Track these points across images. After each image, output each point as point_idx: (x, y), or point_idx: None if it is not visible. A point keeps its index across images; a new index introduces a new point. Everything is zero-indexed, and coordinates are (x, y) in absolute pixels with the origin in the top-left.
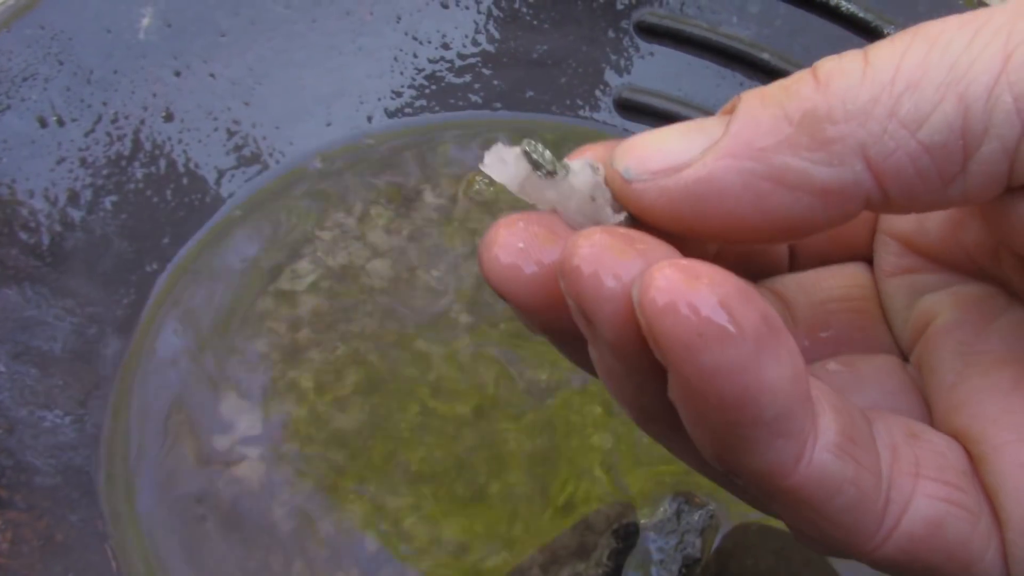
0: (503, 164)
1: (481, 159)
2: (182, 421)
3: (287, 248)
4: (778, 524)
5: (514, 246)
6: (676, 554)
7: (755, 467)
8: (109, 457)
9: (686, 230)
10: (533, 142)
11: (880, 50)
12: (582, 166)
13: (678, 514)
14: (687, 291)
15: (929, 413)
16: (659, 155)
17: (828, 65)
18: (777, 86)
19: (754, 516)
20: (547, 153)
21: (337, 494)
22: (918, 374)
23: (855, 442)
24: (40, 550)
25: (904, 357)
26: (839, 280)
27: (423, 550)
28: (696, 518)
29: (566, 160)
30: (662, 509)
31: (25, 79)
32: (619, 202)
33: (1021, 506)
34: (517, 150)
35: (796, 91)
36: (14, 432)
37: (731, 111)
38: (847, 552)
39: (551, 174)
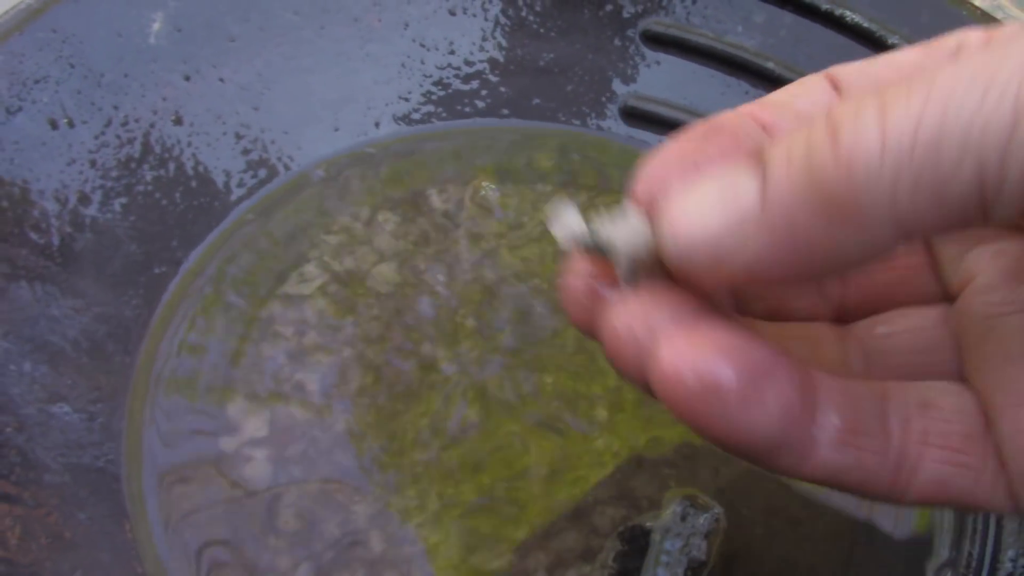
0: (566, 228)
1: (550, 221)
2: (189, 422)
3: (294, 252)
4: (783, 528)
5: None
6: (682, 557)
7: (768, 467)
8: (117, 455)
9: (726, 285)
10: (595, 225)
11: (896, 113)
12: (629, 232)
13: (684, 517)
14: (683, 364)
15: (961, 368)
16: (704, 239)
17: (846, 133)
18: (800, 153)
19: (760, 519)
20: (605, 233)
21: (343, 495)
22: (957, 324)
23: (857, 431)
24: (48, 547)
25: (951, 298)
26: None
27: (429, 551)
28: (702, 521)
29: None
30: (668, 512)
31: (37, 81)
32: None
33: (1020, 462)
34: (581, 226)
35: (821, 162)
36: (23, 429)
37: (758, 161)
38: (875, 500)
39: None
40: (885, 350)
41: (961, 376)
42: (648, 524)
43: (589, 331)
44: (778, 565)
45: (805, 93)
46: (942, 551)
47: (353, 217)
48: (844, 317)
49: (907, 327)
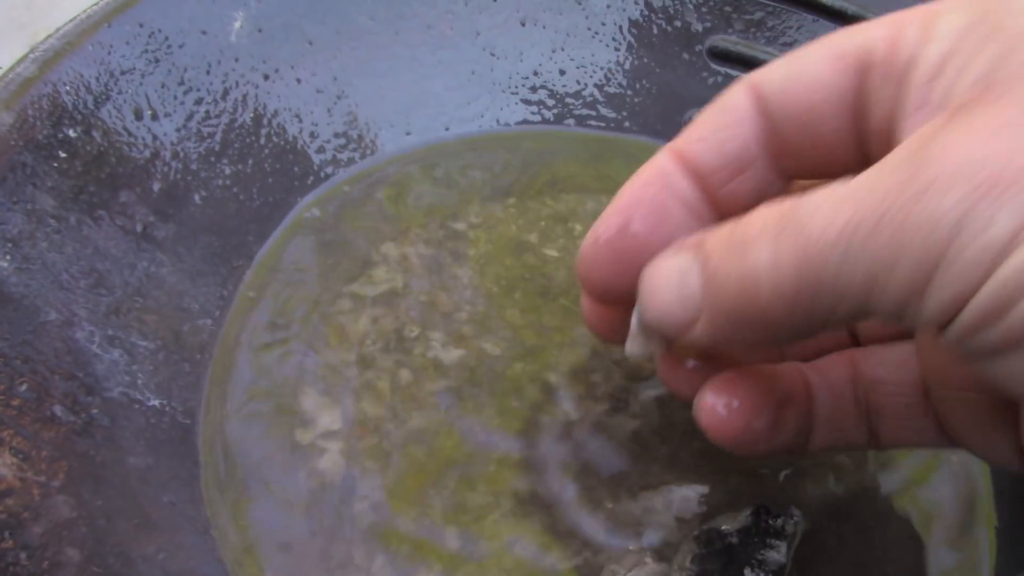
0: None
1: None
2: (267, 413)
3: (365, 252)
4: (854, 534)
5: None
6: (762, 559)
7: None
8: (196, 441)
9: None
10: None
11: (781, 258)
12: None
13: (762, 520)
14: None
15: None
16: (670, 321)
17: (750, 260)
18: (722, 279)
19: (830, 525)
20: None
21: (418, 490)
22: None
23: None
24: (135, 528)
25: None
26: None
27: (504, 549)
28: (779, 523)
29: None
30: (744, 514)
31: (123, 73)
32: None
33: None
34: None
35: (728, 291)
36: (109, 413)
37: (697, 251)
38: None
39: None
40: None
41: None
42: (724, 527)
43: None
44: (852, 569)
45: (727, 121)
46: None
47: (429, 216)
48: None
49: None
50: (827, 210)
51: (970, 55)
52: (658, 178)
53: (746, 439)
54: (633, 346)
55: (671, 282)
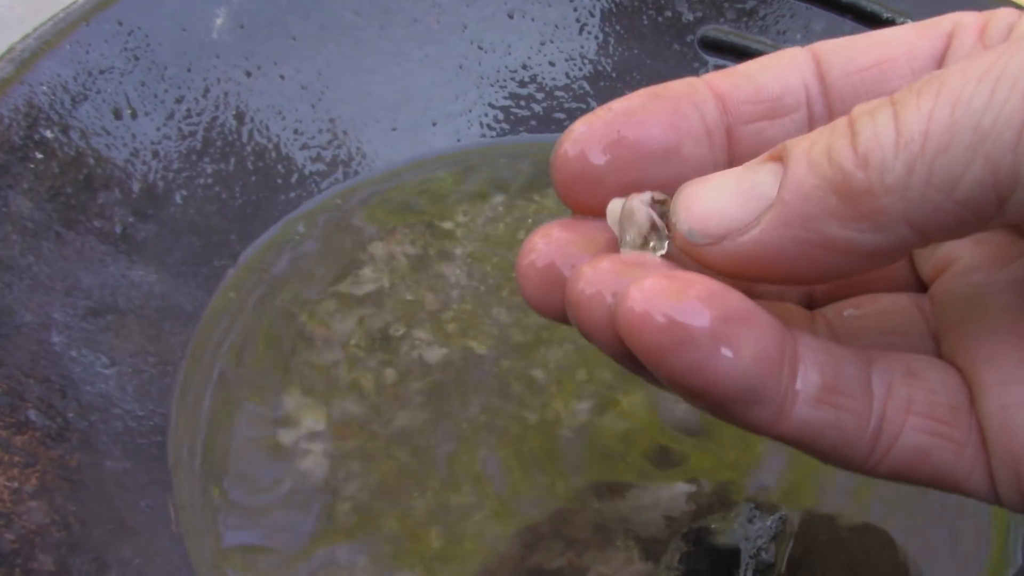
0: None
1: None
2: (249, 414)
3: (351, 251)
4: (847, 534)
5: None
6: (750, 560)
7: (741, 424)
8: (176, 446)
9: (745, 279)
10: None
11: (907, 110)
12: (642, 208)
13: (751, 519)
14: (654, 302)
15: (937, 349)
16: (719, 219)
17: (864, 131)
18: (821, 149)
19: (822, 525)
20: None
21: (401, 491)
22: (931, 310)
23: (837, 390)
24: (111, 533)
25: (924, 286)
26: None
27: (488, 549)
28: (769, 523)
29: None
30: (733, 514)
31: (102, 72)
32: (684, 254)
33: (1002, 441)
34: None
35: (838, 162)
36: (84, 416)
37: (778, 158)
38: (843, 467)
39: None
40: (854, 331)
41: (937, 356)
42: (714, 525)
43: (549, 311)
44: (843, 570)
45: (775, 68)
46: (1016, 559)
47: (416, 217)
48: (811, 303)
49: (877, 309)
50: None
51: None
52: (683, 86)
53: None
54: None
55: (730, 188)
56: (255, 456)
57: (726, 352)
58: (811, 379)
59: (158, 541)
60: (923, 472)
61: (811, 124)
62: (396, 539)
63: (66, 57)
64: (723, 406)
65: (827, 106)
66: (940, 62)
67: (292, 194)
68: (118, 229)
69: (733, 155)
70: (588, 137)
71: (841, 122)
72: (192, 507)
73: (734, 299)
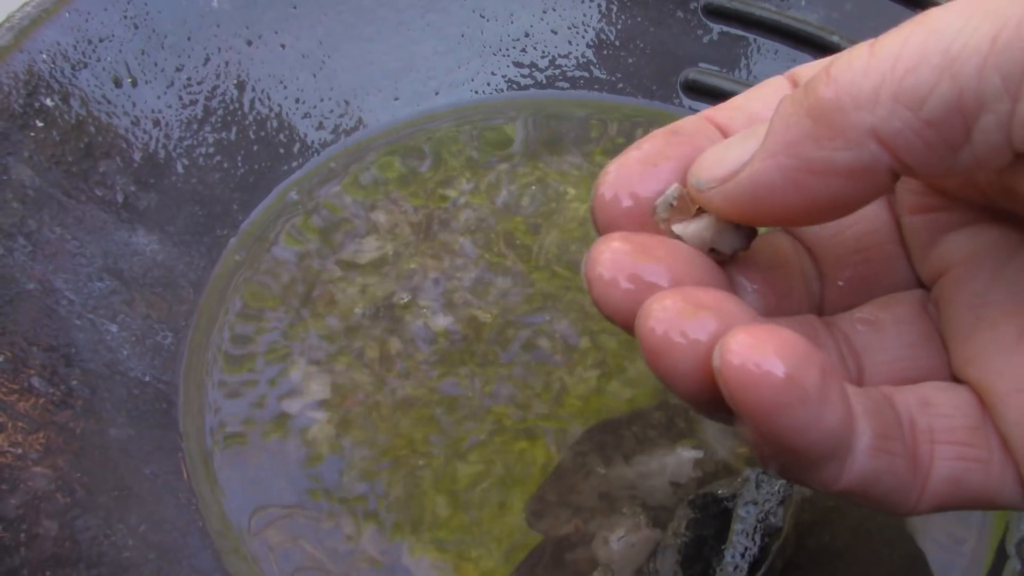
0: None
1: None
2: (253, 383)
3: (353, 219)
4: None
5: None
6: (758, 524)
7: (807, 480)
8: (183, 414)
9: (751, 221)
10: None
11: (886, 39)
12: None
13: (758, 484)
14: (759, 357)
15: (948, 357)
16: (721, 164)
17: (839, 60)
18: (803, 85)
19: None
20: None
21: (406, 460)
22: (937, 315)
23: (887, 437)
24: (116, 500)
25: (925, 286)
26: (861, 219)
27: (494, 517)
28: (777, 488)
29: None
30: (740, 480)
31: (102, 40)
32: (700, 206)
33: None
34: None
35: (813, 88)
36: (88, 383)
37: None
38: (888, 512)
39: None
40: (873, 345)
41: (951, 371)
42: (720, 492)
43: (626, 324)
44: (851, 535)
45: (761, 96)
46: (1022, 524)
47: (419, 185)
48: (822, 310)
49: (891, 320)
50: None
51: None
52: (693, 123)
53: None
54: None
55: (731, 144)
56: (260, 425)
57: (828, 409)
58: (867, 429)
59: (163, 508)
60: (960, 499)
61: None
62: (402, 507)
63: (65, 25)
64: (807, 464)
65: None
66: None
67: (294, 163)
68: (120, 198)
69: None
70: (618, 180)
71: (828, 58)
72: (197, 475)
73: (820, 354)
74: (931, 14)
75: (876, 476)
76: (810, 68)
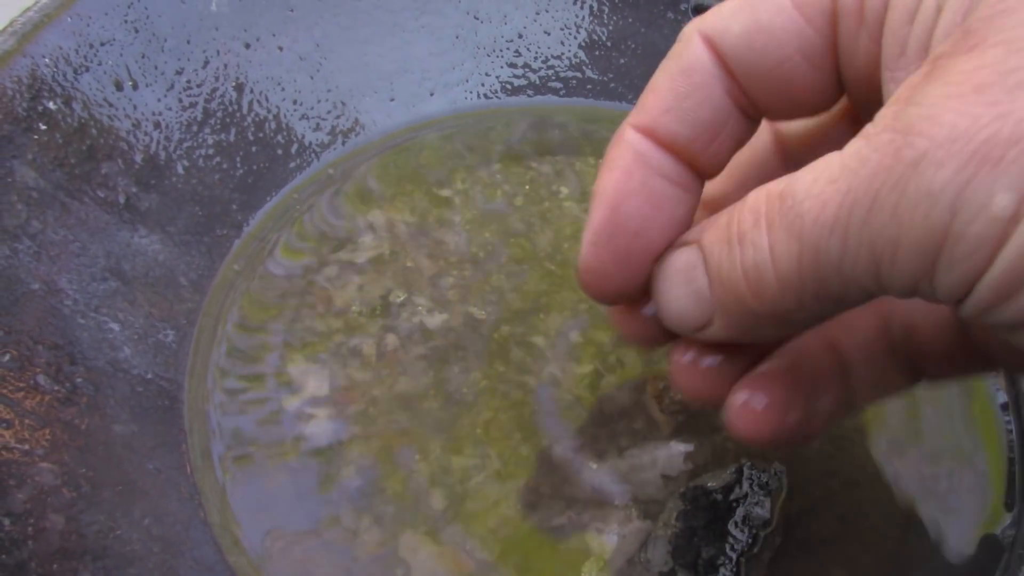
0: None
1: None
2: (253, 380)
3: (351, 220)
4: (840, 489)
5: None
6: (747, 515)
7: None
8: (185, 411)
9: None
10: None
11: (777, 252)
12: None
13: (746, 475)
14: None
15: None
16: (685, 321)
17: (752, 273)
18: (725, 267)
19: (817, 480)
20: None
21: (404, 454)
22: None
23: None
24: (120, 495)
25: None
26: None
27: (489, 509)
28: (764, 479)
29: None
30: (729, 471)
31: (103, 44)
32: None
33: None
34: None
35: (739, 293)
36: (92, 380)
37: (697, 243)
38: None
39: None
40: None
41: None
42: (710, 484)
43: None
44: (838, 524)
45: (690, 87)
46: (1007, 514)
47: (413, 185)
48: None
49: None
50: (819, 192)
51: None
52: (637, 162)
53: (783, 434)
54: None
55: (681, 282)
56: (260, 421)
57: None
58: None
59: (166, 502)
60: None
61: (748, 115)
62: (399, 501)
63: (67, 29)
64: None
65: (748, 99)
66: (833, 52)
67: (292, 164)
68: (121, 199)
69: (709, 175)
70: (592, 264)
71: (734, 229)
72: (199, 469)
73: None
74: (806, 220)
75: None
76: (725, 26)
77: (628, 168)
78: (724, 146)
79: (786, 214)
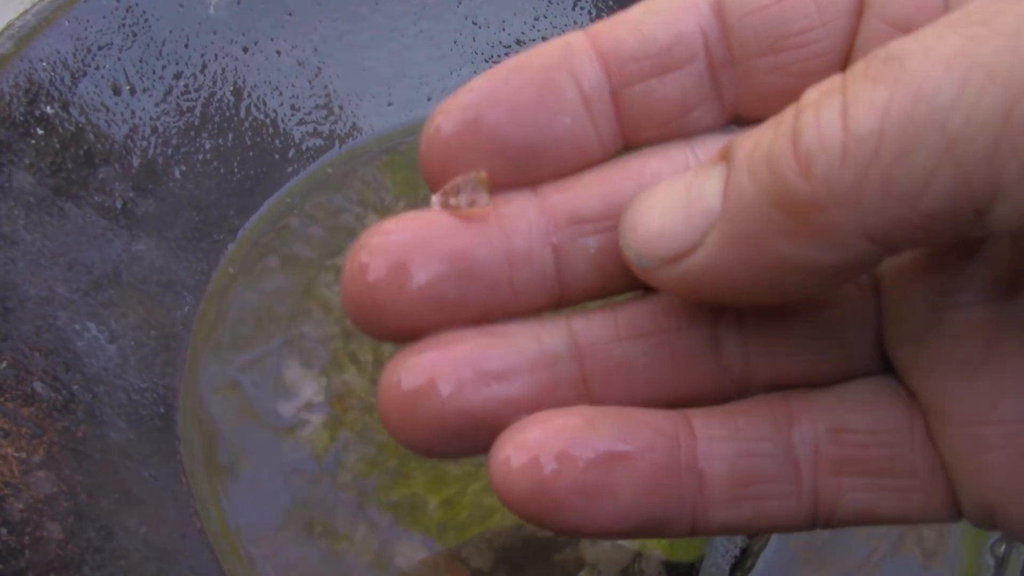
0: None
1: None
2: (249, 387)
3: (347, 224)
4: None
5: None
6: None
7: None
8: (181, 417)
9: (707, 301)
10: None
11: (860, 106)
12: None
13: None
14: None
15: (879, 350)
16: (664, 241)
17: (806, 129)
18: (762, 153)
19: None
20: None
21: (400, 461)
22: (875, 305)
23: (752, 481)
24: (117, 503)
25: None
26: None
27: (484, 517)
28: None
29: None
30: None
31: (100, 48)
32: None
33: (975, 489)
34: None
35: (778, 171)
36: (89, 388)
37: (725, 158)
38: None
39: None
40: (776, 337)
41: (880, 347)
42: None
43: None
44: (828, 534)
45: (665, 8)
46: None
47: (411, 190)
48: None
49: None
50: (936, 56)
51: None
52: (557, 49)
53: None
54: None
55: (676, 195)
56: (256, 428)
57: (605, 501)
58: (719, 478)
59: (163, 510)
60: (876, 519)
61: (712, 76)
62: (395, 508)
63: (65, 33)
64: (633, 535)
65: (729, 51)
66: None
67: (289, 169)
68: (118, 204)
69: (624, 123)
70: (446, 132)
71: (789, 113)
72: (195, 477)
73: (596, 440)
74: (911, 65)
75: (745, 523)
76: None
77: (541, 51)
78: (665, 95)
79: (883, 67)
